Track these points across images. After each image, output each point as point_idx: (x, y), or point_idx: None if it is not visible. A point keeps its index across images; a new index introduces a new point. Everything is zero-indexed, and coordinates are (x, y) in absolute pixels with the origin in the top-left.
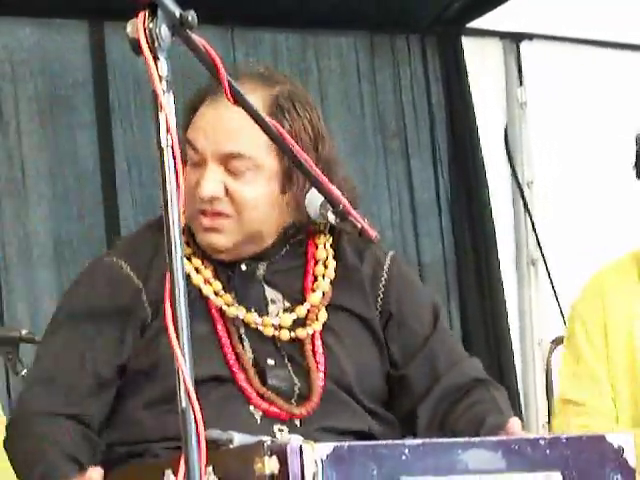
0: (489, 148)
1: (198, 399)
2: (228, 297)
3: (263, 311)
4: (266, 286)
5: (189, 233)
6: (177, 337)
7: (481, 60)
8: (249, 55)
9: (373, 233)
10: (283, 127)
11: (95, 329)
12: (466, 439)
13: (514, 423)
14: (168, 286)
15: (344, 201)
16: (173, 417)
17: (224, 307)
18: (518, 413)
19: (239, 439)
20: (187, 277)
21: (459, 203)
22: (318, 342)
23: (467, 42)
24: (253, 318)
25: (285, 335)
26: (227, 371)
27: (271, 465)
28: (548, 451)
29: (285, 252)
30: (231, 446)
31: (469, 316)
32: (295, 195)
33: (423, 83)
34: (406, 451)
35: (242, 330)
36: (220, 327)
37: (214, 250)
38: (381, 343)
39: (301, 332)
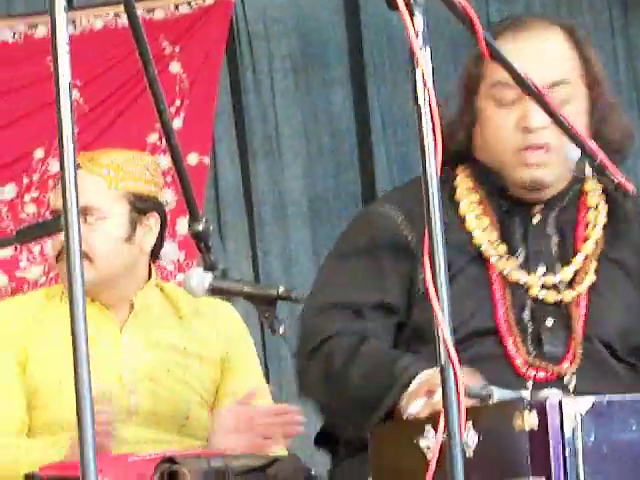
0: None
1: (459, 354)
2: (513, 261)
3: (549, 269)
4: (553, 240)
5: (483, 189)
6: (436, 292)
7: None
8: (502, 11)
9: (630, 187)
10: (580, 57)
11: (366, 266)
12: None
13: None
14: (427, 241)
15: (602, 155)
16: None
17: (505, 272)
18: None
19: (498, 395)
20: (470, 236)
21: None
22: (583, 301)
23: None
24: (536, 280)
25: (567, 296)
26: (494, 327)
27: (530, 420)
28: None
29: (567, 201)
30: (490, 402)
31: None
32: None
33: None
34: None
35: (521, 292)
36: (496, 286)
37: (540, 185)
38: None
39: (578, 288)
